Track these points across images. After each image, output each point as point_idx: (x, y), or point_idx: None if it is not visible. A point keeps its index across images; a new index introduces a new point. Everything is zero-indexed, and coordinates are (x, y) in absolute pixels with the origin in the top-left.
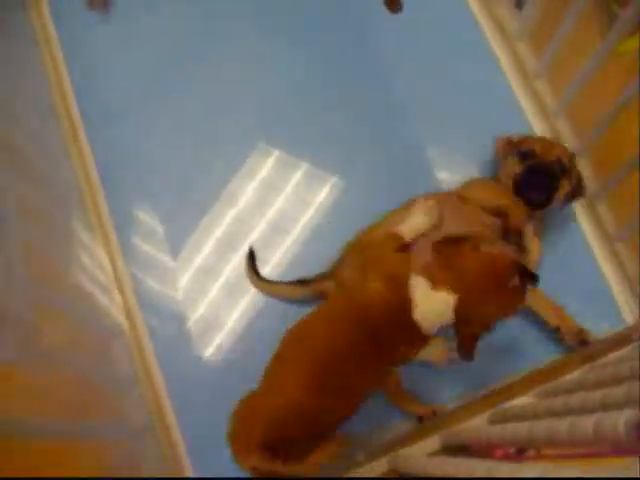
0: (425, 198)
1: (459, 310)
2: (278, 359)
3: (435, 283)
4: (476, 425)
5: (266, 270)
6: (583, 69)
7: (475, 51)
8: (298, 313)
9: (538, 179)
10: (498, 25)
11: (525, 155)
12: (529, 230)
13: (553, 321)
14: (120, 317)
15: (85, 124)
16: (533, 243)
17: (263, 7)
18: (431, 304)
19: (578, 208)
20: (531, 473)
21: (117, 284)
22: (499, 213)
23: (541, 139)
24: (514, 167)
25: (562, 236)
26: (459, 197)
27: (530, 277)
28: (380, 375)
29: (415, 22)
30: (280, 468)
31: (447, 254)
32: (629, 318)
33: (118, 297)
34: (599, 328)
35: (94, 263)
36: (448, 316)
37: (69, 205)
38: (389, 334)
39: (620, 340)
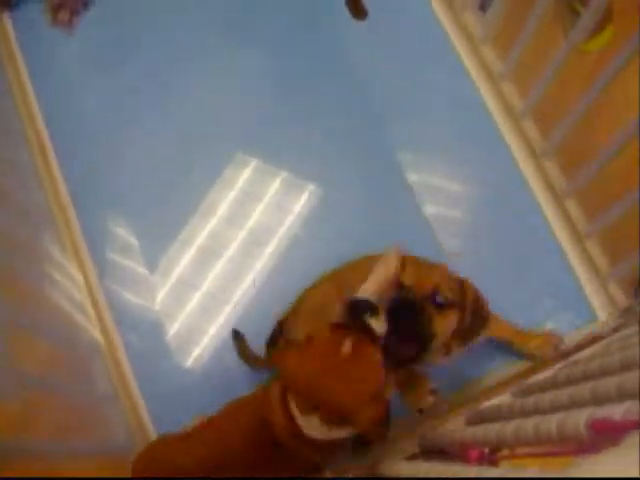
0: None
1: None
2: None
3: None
4: (453, 427)
5: (249, 277)
6: (548, 69)
7: (441, 55)
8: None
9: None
10: (463, 29)
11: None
12: None
13: (522, 346)
14: (96, 333)
15: (54, 143)
16: None
17: (233, 20)
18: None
19: (547, 206)
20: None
21: (91, 300)
22: None
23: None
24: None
25: (531, 235)
26: None
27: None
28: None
29: (382, 28)
30: None
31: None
32: (602, 314)
33: (93, 313)
34: (572, 325)
35: (69, 282)
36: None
37: (41, 227)
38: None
39: (594, 337)
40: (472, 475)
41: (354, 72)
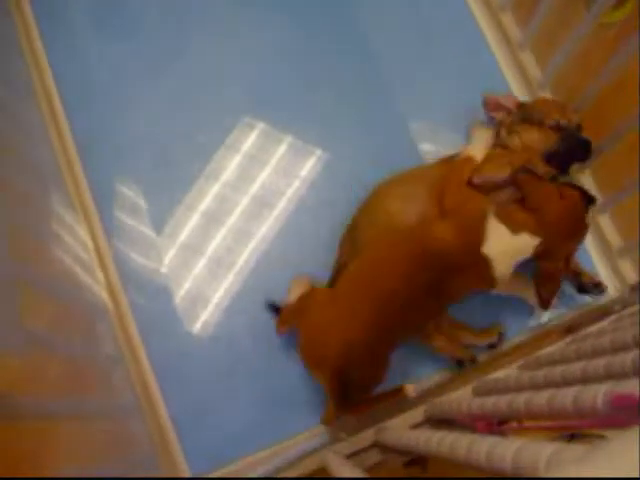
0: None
1: (541, 250)
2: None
3: (516, 227)
4: (459, 397)
5: (252, 245)
6: (568, 40)
7: (459, 22)
8: (283, 286)
9: (576, 152)
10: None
11: (558, 127)
12: None
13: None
14: (103, 295)
15: (64, 103)
16: None
17: None
18: (511, 248)
19: None
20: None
21: (98, 260)
22: None
23: (548, 102)
24: (543, 138)
25: None
26: None
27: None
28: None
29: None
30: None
31: (527, 192)
32: (611, 290)
33: (100, 274)
34: (582, 299)
35: (77, 242)
36: (527, 255)
37: (49, 185)
38: (454, 274)
39: (602, 312)
40: (485, 447)
41: (365, 37)
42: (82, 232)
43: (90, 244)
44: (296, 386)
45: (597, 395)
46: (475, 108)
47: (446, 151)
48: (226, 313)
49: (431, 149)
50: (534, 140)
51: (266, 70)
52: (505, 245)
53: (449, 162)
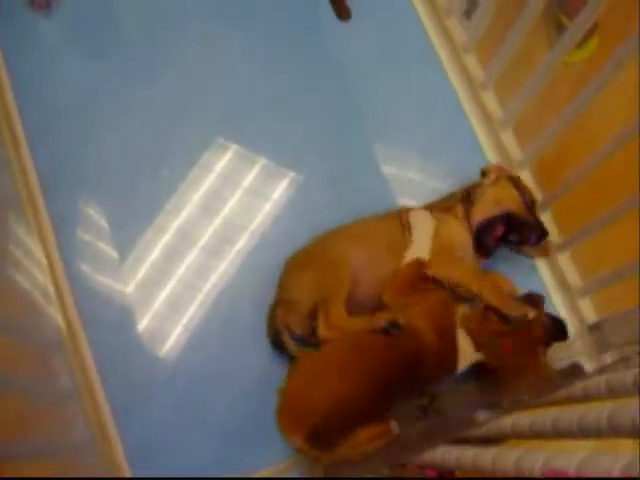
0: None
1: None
2: (327, 358)
3: (478, 347)
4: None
5: (223, 265)
6: (530, 80)
7: (423, 60)
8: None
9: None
10: (446, 35)
11: (531, 206)
12: None
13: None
14: (60, 325)
15: (24, 123)
16: None
17: (218, 11)
18: (470, 358)
19: None
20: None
21: (54, 284)
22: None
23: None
24: (510, 201)
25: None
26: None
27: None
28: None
29: (365, 29)
30: (323, 456)
31: (490, 325)
32: (571, 329)
33: (55, 298)
34: None
35: (34, 266)
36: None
37: (8, 211)
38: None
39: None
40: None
41: (336, 68)
42: (39, 255)
43: (46, 266)
44: (255, 422)
45: (534, 465)
46: (434, 139)
47: (410, 174)
48: (185, 348)
49: (395, 172)
50: (504, 197)
51: (240, 94)
52: (469, 357)
53: (397, 215)
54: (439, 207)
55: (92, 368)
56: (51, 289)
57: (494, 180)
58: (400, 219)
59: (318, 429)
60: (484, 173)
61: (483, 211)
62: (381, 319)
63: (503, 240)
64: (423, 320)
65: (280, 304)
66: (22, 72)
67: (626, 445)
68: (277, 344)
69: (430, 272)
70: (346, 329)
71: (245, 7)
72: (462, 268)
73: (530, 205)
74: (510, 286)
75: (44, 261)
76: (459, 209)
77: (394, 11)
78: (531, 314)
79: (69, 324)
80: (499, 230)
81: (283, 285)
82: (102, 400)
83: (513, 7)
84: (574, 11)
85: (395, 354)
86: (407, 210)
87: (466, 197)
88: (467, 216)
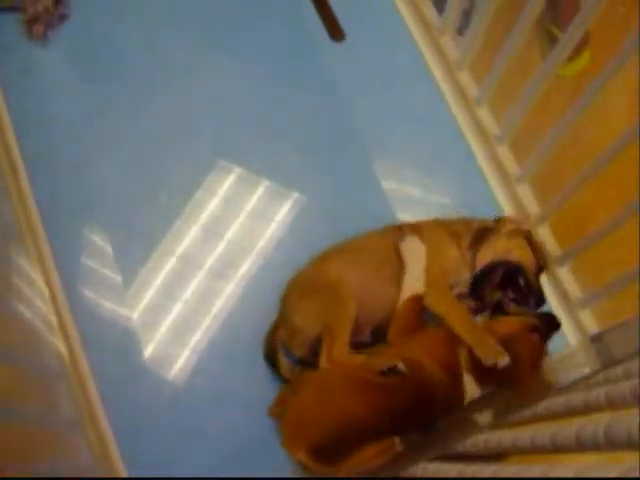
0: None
1: None
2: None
3: (481, 384)
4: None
5: (230, 287)
6: (525, 94)
7: (417, 78)
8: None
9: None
10: (440, 53)
11: (540, 271)
12: None
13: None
14: (62, 354)
15: (23, 157)
16: None
17: (212, 34)
18: (474, 393)
19: None
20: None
21: (56, 313)
22: None
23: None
24: (520, 258)
25: None
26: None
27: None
28: None
29: (359, 49)
30: (325, 471)
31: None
32: (572, 341)
33: (59, 334)
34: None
35: (37, 297)
36: None
37: (10, 242)
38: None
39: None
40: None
41: (331, 87)
42: (40, 283)
43: (50, 304)
44: (257, 449)
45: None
46: (431, 154)
47: (409, 190)
48: (189, 372)
49: (395, 186)
50: (509, 251)
51: (241, 118)
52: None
53: (396, 231)
54: (446, 231)
55: (95, 395)
56: (53, 318)
57: (511, 232)
58: (398, 234)
59: (323, 443)
60: (498, 220)
61: (490, 255)
62: (380, 363)
63: (500, 290)
64: (429, 359)
65: (283, 327)
66: (20, 102)
67: (631, 458)
68: (271, 361)
69: (426, 303)
70: (347, 365)
71: (241, 30)
72: (450, 303)
73: (539, 269)
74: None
75: (46, 290)
76: (466, 241)
77: (387, 30)
78: (504, 361)
79: (71, 352)
80: (497, 276)
81: (287, 309)
82: (105, 427)
83: (505, 23)
84: (565, 22)
85: (404, 386)
86: (402, 234)
87: (479, 235)
88: (472, 251)
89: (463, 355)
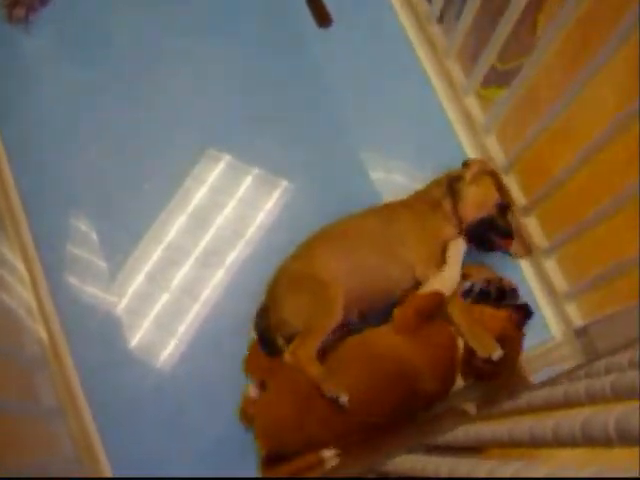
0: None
1: None
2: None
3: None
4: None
5: (218, 276)
6: (513, 84)
7: (406, 67)
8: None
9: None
10: (429, 42)
11: (505, 208)
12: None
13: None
14: (44, 342)
15: (5, 142)
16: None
17: (201, 23)
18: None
19: None
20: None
21: (39, 308)
22: None
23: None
24: (492, 205)
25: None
26: None
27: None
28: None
29: (347, 36)
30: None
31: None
32: (557, 334)
33: (41, 323)
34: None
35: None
36: None
37: None
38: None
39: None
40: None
41: (319, 77)
42: (22, 270)
43: (29, 282)
44: (242, 439)
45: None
46: (419, 144)
47: (397, 179)
48: (174, 361)
49: (382, 176)
50: (479, 200)
51: (226, 107)
52: None
53: (383, 210)
54: (425, 201)
55: (77, 383)
56: (34, 304)
57: (476, 175)
58: (386, 214)
59: (275, 446)
60: (466, 164)
61: (471, 212)
62: (328, 388)
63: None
64: (423, 361)
65: (271, 313)
66: (2, 89)
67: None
68: (266, 341)
69: (449, 310)
70: (303, 369)
71: (227, 17)
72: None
73: (506, 207)
74: (489, 272)
75: (27, 276)
76: (447, 205)
77: (375, 18)
78: (497, 354)
79: (52, 339)
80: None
81: (274, 298)
82: (87, 417)
83: (492, 13)
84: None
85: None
86: (390, 213)
87: (450, 189)
88: (455, 213)
89: (460, 351)
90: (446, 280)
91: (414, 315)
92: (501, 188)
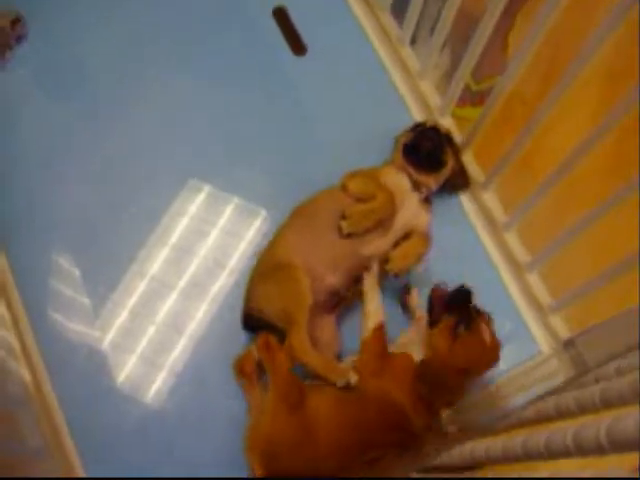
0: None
1: None
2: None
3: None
4: None
5: (203, 307)
6: (487, 103)
7: (382, 91)
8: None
9: (428, 141)
10: (402, 64)
11: (416, 125)
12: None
13: None
14: (26, 376)
15: None
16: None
17: (175, 53)
18: None
19: (486, 238)
20: None
21: (22, 347)
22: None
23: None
24: (405, 138)
25: (474, 271)
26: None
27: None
28: None
29: (321, 64)
30: None
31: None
32: (545, 348)
33: (25, 369)
34: (517, 359)
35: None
36: None
37: None
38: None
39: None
40: None
41: (295, 103)
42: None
43: (12, 332)
44: (228, 473)
45: None
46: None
47: None
48: (159, 395)
49: None
50: (399, 144)
51: (205, 139)
52: None
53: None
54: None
55: (62, 421)
56: (16, 343)
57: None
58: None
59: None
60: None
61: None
62: (337, 379)
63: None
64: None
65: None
66: None
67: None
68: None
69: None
70: (301, 361)
71: (204, 46)
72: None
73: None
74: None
75: (8, 315)
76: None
77: (348, 45)
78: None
79: (35, 377)
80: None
81: (249, 290)
82: (73, 456)
83: (464, 34)
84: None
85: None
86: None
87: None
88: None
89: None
90: (374, 314)
91: (375, 358)
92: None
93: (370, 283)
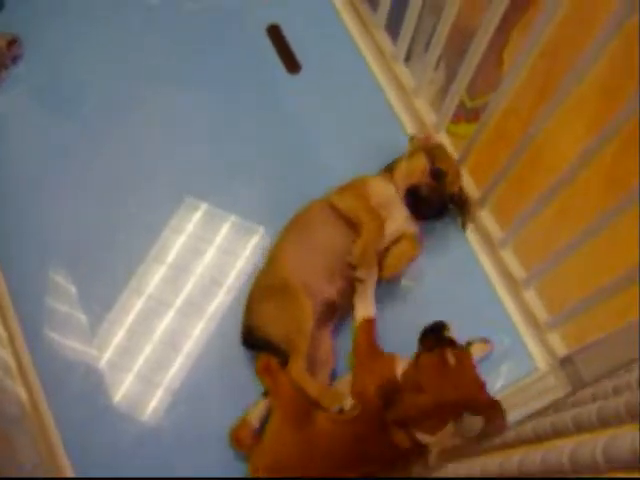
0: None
1: None
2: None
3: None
4: None
5: (201, 325)
6: (482, 119)
7: (377, 110)
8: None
9: (436, 203)
10: (396, 81)
11: (438, 175)
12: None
13: None
14: (22, 395)
15: None
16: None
17: (172, 68)
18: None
19: (482, 255)
20: None
21: (18, 365)
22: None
23: (454, 164)
24: (421, 173)
25: (467, 285)
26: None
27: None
28: None
29: (315, 81)
30: None
31: None
32: (542, 365)
33: (21, 388)
34: (514, 376)
35: None
36: None
37: None
38: None
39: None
40: None
41: (290, 120)
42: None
43: (9, 351)
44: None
45: None
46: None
47: None
48: (157, 417)
49: None
50: (413, 168)
51: (200, 155)
52: None
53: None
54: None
55: (59, 442)
56: (12, 362)
57: (411, 151)
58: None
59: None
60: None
61: (401, 182)
62: (330, 404)
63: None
64: None
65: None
66: None
67: None
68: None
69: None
70: (300, 387)
71: (197, 64)
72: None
73: (435, 174)
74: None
75: (3, 334)
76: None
77: (343, 62)
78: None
79: (32, 396)
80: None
81: (250, 307)
82: (69, 473)
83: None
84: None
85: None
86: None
87: (388, 168)
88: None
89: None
90: (364, 309)
91: (367, 346)
92: (436, 158)
93: (360, 290)
